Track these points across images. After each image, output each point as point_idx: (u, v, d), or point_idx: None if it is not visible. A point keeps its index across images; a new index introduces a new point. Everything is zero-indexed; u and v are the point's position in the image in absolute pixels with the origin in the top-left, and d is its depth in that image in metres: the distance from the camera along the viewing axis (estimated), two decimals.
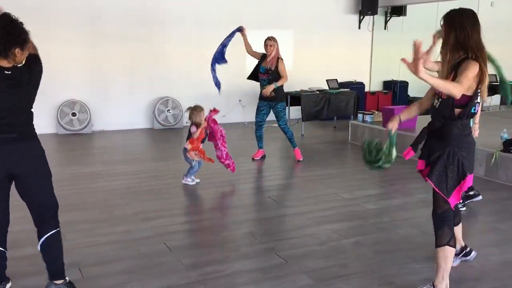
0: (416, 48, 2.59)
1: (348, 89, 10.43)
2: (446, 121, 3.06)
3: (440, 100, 3.10)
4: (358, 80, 11.50)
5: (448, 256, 3.13)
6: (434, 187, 3.10)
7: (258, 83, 7.05)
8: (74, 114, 9.06)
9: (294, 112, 9.92)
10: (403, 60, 2.68)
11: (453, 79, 2.95)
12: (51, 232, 3.13)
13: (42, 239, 3.12)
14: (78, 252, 3.88)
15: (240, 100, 10.58)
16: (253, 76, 7.13)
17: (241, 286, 3.39)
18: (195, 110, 5.87)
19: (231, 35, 6.89)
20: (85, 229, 4.38)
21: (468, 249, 3.71)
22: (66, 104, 9.03)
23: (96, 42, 9.16)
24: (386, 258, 3.85)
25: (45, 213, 3.13)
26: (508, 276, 3.57)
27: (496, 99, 11.49)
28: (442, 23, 3.08)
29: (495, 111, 10.90)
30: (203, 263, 3.74)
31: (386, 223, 4.64)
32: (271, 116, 7.18)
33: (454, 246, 3.17)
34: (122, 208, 4.97)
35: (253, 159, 7.13)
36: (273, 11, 10.58)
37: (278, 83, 6.74)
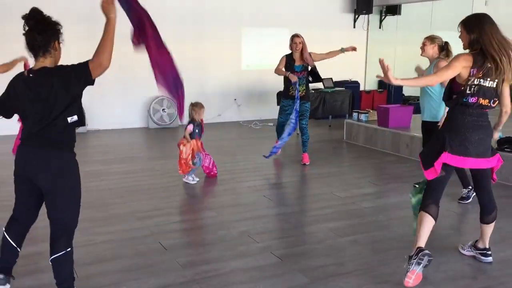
0: (381, 64, 3.05)
1: (343, 88, 10.45)
2: (450, 105, 3.45)
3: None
4: (353, 79, 11.52)
5: (422, 220, 3.36)
6: (419, 157, 3.49)
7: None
8: None
9: None
10: (378, 76, 3.19)
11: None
12: (60, 253, 2.94)
13: (51, 258, 2.97)
14: (74, 251, 3.85)
15: (235, 99, 10.57)
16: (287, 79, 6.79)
17: (237, 285, 3.39)
18: (195, 106, 5.83)
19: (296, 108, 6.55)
20: (81, 228, 4.32)
21: (489, 252, 3.77)
22: None
23: (91, 41, 9.09)
24: (383, 256, 3.85)
25: (57, 230, 2.96)
26: (504, 274, 3.58)
27: None
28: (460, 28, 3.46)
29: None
30: (199, 262, 3.74)
31: (383, 221, 4.65)
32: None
33: (432, 215, 3.36)
34: (118, 207, 4.96)
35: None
36: (269, 10, 10.57)
37: (344, 49, 6.86)
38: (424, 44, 5.02)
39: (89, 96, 9.18)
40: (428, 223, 3.36)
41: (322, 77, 10.01)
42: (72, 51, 9.29)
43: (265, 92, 10.28)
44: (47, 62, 2.83)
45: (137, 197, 5.31)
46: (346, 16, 11.61)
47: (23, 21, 2.84)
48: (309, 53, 6.66)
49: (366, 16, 11.63)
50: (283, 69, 6.72)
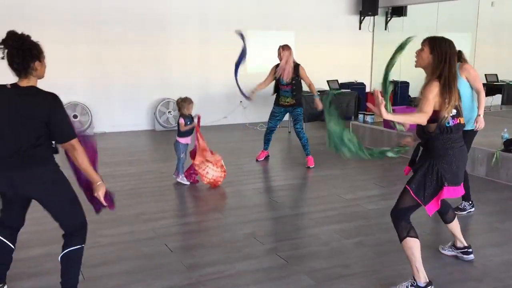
0: (375, 96, 3.01)
1: (349, 90, 10.44)
2: (428, 137, 3.26)
3: None
4: (359, 80, 11.50)
5: (412, 247, 3.26)
6: (413, 195, 3.27)
7: (257, 82, 7.02)
8: (75, 116, 9.07)
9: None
10: (368, 105, 3.15)
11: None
12: (74, 248, 3.05)
13: (62, 253, 3.05)
14: None
15: (241, 102, 10.57)
16: (276, 89, 6.94)
17: (242, 287, 3.40)
18: (184, 102, 5.84)
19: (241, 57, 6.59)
20: (87, 230, 4.38)
21: (470, 249, 3.79)
22: (68, 106, 9.04)
23: (97, 45, 9.17)
24: (388, 258, 3.85)
25: (67, 230, 3.09)
26: (510, 276, 3.57)
27: (497, 99, 11.49)
28: (425, 45, 3.31)
29: (496, 111, 10.89)
30: (204, 264, 3.75)
31: (388, 223, 4.60)
32: (265, 118, 7.14)
33: (415, 236, 3.28)
34: (124, 209, 4.98)
35: (256, 160, 7.13)
36: (274, 13, 10.58)
37: (315, 93, 6.70)
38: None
39: (95, 99, 9.35)
40: (418, 245, 3.28)
41: (328, 79, 10.10)
42: (74, 52, 9.37)
43: (270, 94, 10.24)
44: (31, 82, 2.86)
45: (143, 199, 5.33)
46: (352, 18, 11.60)
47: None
48: (298, 66, 6.67)
49: (372, 17, 11.61)
50: (263, 83, 6.93)
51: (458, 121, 3.26)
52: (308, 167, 6.77)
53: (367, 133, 8.24)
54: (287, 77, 6.60)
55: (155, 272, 3.60)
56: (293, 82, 6.67)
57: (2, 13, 7.95)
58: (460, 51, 4.88)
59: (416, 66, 3.37)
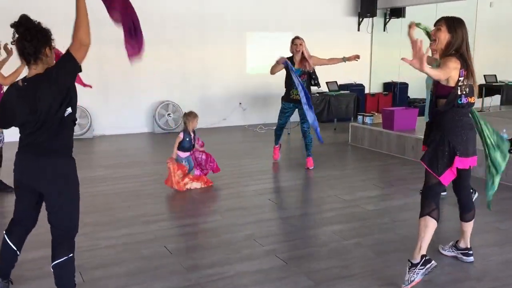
0: (418, 46, 2.91)
1: (348, 91, 10.45)
2: (439, 112, 3.40)
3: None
4: (358, 82, 11.51)
5: (428, 226, 3.34)
6: (426, 167, 3.40)
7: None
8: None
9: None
10: (404, 59, 3.01)
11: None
12: (61, 260, 2.92)
13: (52, 264, 2.95)
14: (79, 256, 3.87)
15: (240, 103, 10.59)
16: (288, 81, 6.71)
17: None
18: (188, 116, 5.92)
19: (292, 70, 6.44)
20: (87, 233, 4.39)
21: (470, 251, 3.80)
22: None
23: (97, 47, 9.14)
24: (387, 259, 3.85)
25: (58, 236, 2.96)
26: (509, 276, 3.57)
27: (496, 99, 11.51)
28: (441, 24, 3.39)
29: (495, 111, 10.91)
30: (203, 265, 3.75)
31: (387, 224, 4.64)
32: (272, 118, 7.15)
33: (436, 219, 3.36)
34: (123, 212, 4.98)
35: (275, 160, 7.11)
36: (272, 14, 10.59)
37: (346, 58, 6.72)
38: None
39: (94, 102, 9.35)
40: (433, 227, 3.38)
41: (327, 80, 10.11)
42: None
43: (270, 96, 10.29)
44: (39, 68, 2.81)
45: (142, 201, 5.33)
46: (350, 19, 11.61)
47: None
48: (311, 56, 6.60)
49: (370, 19, 11.62)
50: (279, 70, 6.64)
51: (469, 100, 3.36)
52: (308, 168, 6.76)
53: (366, 134, 8.25)
54: (308, 67, 6.57)
55: (154, 274, 3.60)
56: (307, 73, 6.64)
57: (2, 16, 7.96)
58: None
59: (435, 48, 3.42)
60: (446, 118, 3.37)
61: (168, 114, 9.79)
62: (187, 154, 5.94)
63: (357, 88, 11.08)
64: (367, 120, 8.50)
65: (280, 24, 10.62)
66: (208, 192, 5.72)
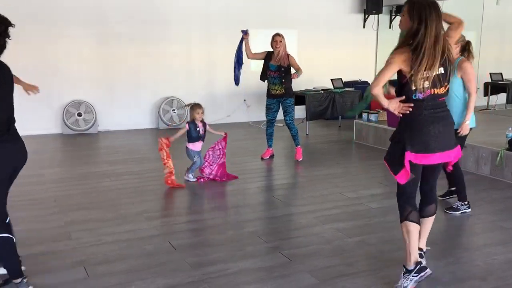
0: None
1: (353, 88, 10.42)
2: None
3: None
4: (363, 79, 11.48)
5: (410, 231, 3.21)
6: (388, 166, 3.23)
7: (261, 81, 7.05)
8: (80, 114, 9.10)
9: (299, 111, 9.90)
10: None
11: None
12: None
13: None
14: (83, 251, 3.91)
15: (245, 100, 10.59)
16: (264, 75, 7.02)
17: (245, 285, 3.40)
18: (191, 108, 6.01)
19: (240, 42, 6.95)
20: (91, 228, 4.40)
21: (422, 252, 3.53)
22: (72, 104, 9.07)
23: (102, 43, 9.19)
24: (391, 257, 3.84)
25: None
26: None
27: (501, 97, 11.45)
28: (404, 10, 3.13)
29: (501, 109, 10.86)
30: (207, 262, 3.75)
31: (391, 222, 4.63)
32: (277, 115, 7.15)
33: (416, 222, 3.22)
34: (127, 207, 4.99)
35: (262, 158, 7.14)
36: (277, 11, 10.58)
37: (300, 72, 6.80)
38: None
39: (99, 97, 9.37)
40: (416, 231, 3.23)
41: (332, 78, 10.08)
42: (79, 51, 9.39)
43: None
44: None
45: (146, 197, 5.34)
46: (356, 17, 11.58)
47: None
48: (288, 55, 6.83)
49: (376, 16, 11.59)
50: (257, 58, 7.05)
51: (432, 92, 3.05)
52: (297, 161, 6.94)
53: (371, 131, 8.23)
54: (283, 62, 6.76)
55: (158, 270, 3.61)
56: (282, 69, 6.78)
57: (9, 12, 7.98)
58: (468, 42, 4.64)
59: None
60: (406, 113, 3.11)
61: (172, 110, 9.80)
62: (198, 148, 5.95)
63: (362, 86, 11.04)
64: (372, 117, 8.48)
65: (285, 22, 10.60)
66: (212, 189, 5.72)
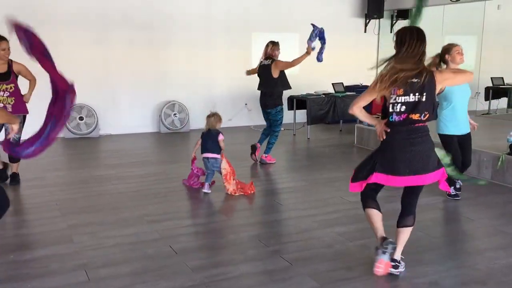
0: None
1: (354, 93, 10.43)
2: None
3: None
4: (364, 83, 11.48)
5: (370, 215, 3.57)
6: (353, 171, 3.64)
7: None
8: (81, 118, 9.12)
9: (300, 115, 9.92)
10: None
11: None
12: None
13: None
14: (85, 254, 3.91)
15: (246, 104, 10.60)
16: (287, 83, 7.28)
17: None
18: (208, 117, 6.05)
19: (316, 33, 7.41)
20: (92, 232, 4.41)
21: (398, 264, 3.56)
22: (73, 108, 9.09)
23: (103, 47, 9.22)
24: None
25: None
26: None
27: (503, 102, 11.45)
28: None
29: (502, 114, 10.86)
30: (208, 265, 3.76)
31: (392, 226, 4.61)
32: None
33: (375, 208, 3.55)
34: (129, 211, 5.00)
35: (262, 159, 7.15)
36: (278, 15, 10.61)
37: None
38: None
39: (101, 101, 9.38)
40: (376, 215, 3.54)
41: (333, 82, 10.10)
42: (80, 54, 9.40)
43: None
44: None
45: (147, 201, 5.35)
46: (357, 21, 11.60)
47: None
48: (276, 62, 7.05)
49: (377, 20, 11.61)
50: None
51: (406, 117, 3.25)
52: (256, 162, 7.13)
53: (372, 136, 8.23)
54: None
55: (159, 273, 3.61)
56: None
57: (10, 14, 8.00)
58: (440, 53, 4.97)
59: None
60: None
61: (174, 114, 9.81)
62: (214, 154, 5.90)
63: (363, 90, 11.01)
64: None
65: (286, 25, 10.63)
66: (214, 193, 5.72)
